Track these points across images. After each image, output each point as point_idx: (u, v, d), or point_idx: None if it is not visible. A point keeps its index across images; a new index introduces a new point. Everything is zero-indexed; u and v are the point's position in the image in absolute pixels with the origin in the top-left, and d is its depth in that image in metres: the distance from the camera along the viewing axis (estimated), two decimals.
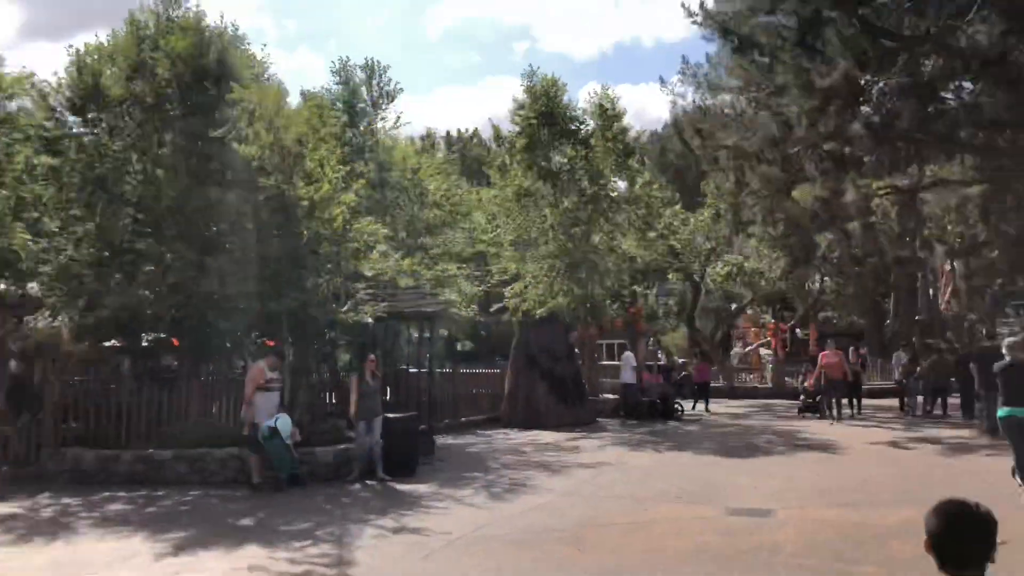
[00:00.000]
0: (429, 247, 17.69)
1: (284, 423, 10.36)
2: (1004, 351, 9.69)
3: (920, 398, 18.24)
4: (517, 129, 19.03)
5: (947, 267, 33.08)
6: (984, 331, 35.51)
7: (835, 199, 17.97)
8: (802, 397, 18.65)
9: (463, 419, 17.62)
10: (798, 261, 19.18)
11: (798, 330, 33.70)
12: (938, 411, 17.66)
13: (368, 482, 10.46)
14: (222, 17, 14.55)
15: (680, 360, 26.07)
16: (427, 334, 14.74)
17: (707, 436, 14.86)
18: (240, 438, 10.57)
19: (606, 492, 9.69)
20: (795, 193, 19.47)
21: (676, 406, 18.58)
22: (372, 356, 11.75)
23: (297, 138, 11.63)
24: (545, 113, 18.44)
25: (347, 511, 8.87)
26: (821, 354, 16.43)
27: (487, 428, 17.31)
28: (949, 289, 37.07)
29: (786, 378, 24.45)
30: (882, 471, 10.43)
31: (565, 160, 18.78)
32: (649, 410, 18.33)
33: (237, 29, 13.98)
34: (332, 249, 11.89)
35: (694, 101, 24.72)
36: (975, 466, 10.69)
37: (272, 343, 11.48)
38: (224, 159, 12.26)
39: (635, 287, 20.26)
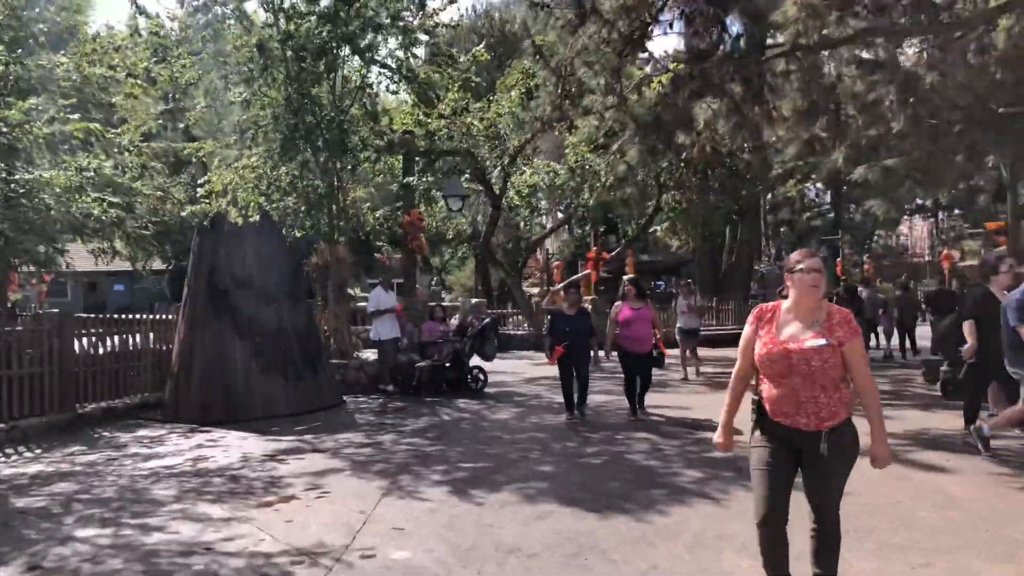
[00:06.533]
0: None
1: None
2: None
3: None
4: None
5: None
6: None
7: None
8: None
9: (83, 410, 9.45)
10: (654, 151, 12.69)
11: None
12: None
13: None
14: None
15: (474, 300, 19.28)
16: None
17: (537, 439, 7.97)
18: None
19: None
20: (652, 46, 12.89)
21: (473, 373, 11.64)
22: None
23: None
24: None
25: None
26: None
27: (134, 425, 9.38)
28: None
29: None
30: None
31: None
32: (430, 380, 11.22)
33: None
34: None
35: None
36: None
37: None
38: None
39: (411, 180, 12.65)
